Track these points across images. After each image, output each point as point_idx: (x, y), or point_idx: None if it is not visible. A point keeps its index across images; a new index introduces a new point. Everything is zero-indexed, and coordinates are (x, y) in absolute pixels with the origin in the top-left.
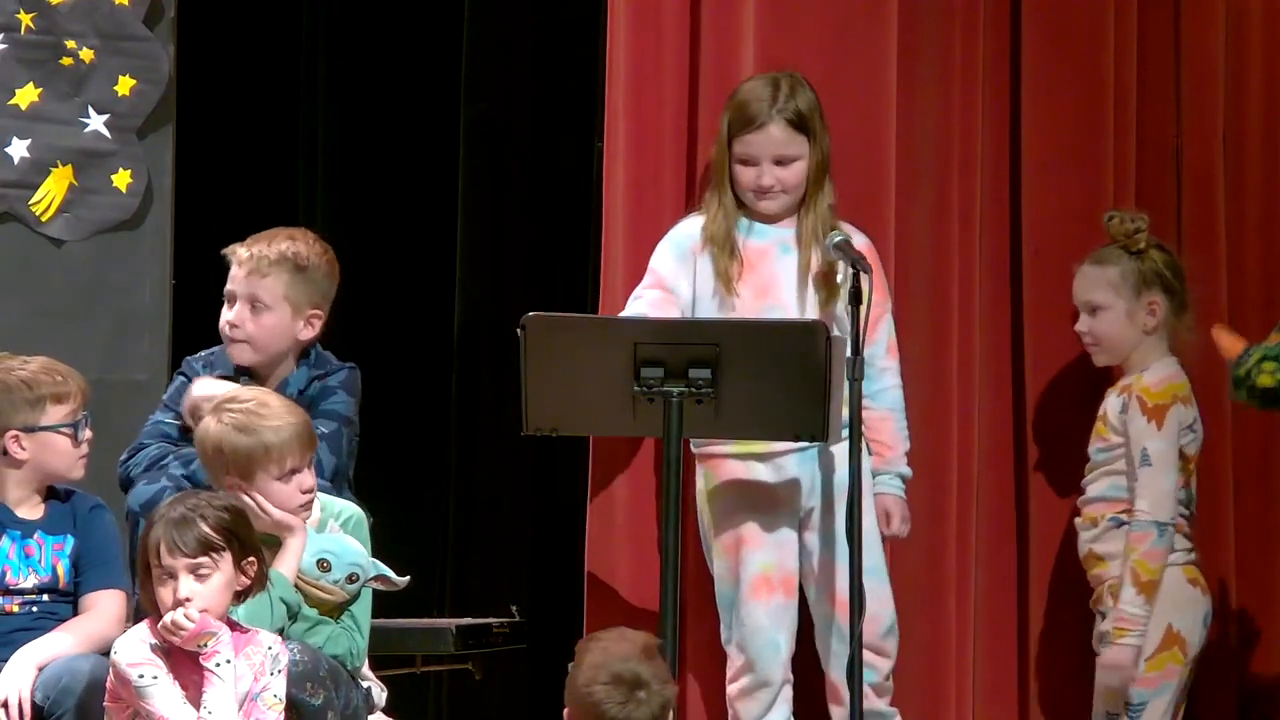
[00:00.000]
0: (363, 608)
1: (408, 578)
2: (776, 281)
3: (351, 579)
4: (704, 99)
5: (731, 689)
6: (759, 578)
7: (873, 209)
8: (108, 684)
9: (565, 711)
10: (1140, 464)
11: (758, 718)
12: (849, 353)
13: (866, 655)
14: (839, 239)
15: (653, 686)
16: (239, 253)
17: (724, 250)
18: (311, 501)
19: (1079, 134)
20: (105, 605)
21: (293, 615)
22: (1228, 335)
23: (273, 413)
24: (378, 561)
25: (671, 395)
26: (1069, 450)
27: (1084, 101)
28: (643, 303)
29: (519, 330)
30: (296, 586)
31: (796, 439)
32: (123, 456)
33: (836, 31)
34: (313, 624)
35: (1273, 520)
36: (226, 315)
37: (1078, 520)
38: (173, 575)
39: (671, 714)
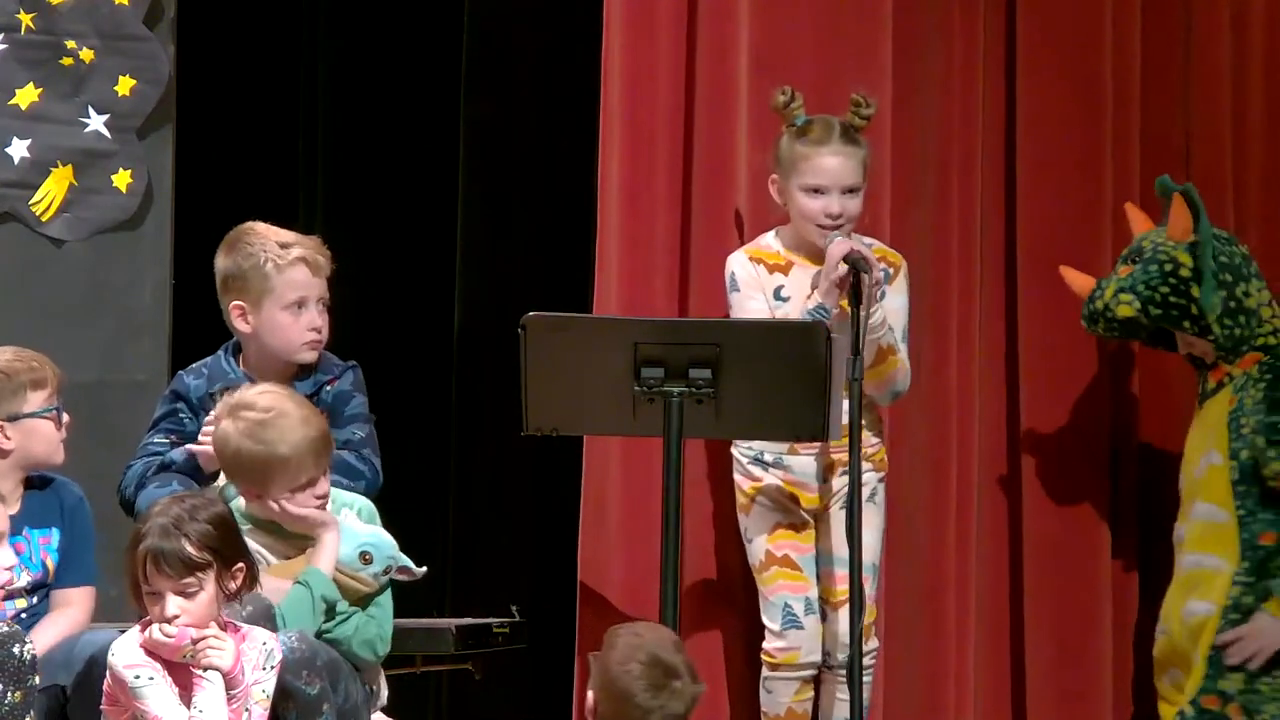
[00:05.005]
0: (386, 595)
1: (425, 568)
2: None
3: (386, 570)
4: (699, 101)
5: None
6: None
7: (871, 210)
8: (105, 687)
9: (590, 695)
10: None
11: None
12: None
13: None
14: (838, 239)
15: (685, 679)
16: (315, 258)
17: None
18: (325, 506)
19: (1073, 134)
20: (80, 601)
21: (332, 612)
22: (1077, 274)
23: (290, 424)
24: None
25: (672, 395)
26: (1066, 449)
27: (1080, 101)
28: None
29: (519, 330)
30: (333, 579)
31: (797, 439)
32: (119, 482)
33: (831, 34)
34: (345, 615)
35: None
36: (313, 321)
37: None
38: (160, 595)
39: None
